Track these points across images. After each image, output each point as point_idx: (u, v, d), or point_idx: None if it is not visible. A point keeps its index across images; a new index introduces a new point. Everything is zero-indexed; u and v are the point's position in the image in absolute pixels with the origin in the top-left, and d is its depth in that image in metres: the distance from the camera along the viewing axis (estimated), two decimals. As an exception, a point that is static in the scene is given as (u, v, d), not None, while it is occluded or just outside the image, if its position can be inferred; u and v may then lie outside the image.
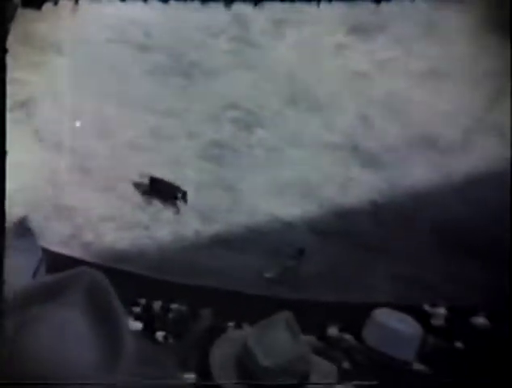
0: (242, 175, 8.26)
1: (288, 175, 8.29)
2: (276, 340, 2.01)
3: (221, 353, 2.11)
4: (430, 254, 7.84)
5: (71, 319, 1.24)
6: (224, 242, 7.63)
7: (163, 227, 7.68)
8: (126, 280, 6.76)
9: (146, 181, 8.28)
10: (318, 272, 7.40)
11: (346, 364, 4.75)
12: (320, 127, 9.01)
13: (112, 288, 1.35)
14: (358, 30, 10.36)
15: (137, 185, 8.15)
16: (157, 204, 7.83)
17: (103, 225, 7.79)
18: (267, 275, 7.42)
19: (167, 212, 7.79)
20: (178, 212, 7.92)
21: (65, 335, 1.25)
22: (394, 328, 2.18)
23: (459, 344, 6.31)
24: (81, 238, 7.36)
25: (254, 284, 6.98)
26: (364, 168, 8.54)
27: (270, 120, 9.06)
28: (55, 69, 9.62)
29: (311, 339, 5.89)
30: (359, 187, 8.26)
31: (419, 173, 8.56)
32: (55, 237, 7.36)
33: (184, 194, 8.02)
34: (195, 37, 10.13)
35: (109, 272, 6.91)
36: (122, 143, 8.40)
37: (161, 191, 8.19)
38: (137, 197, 7.89)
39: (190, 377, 4.01)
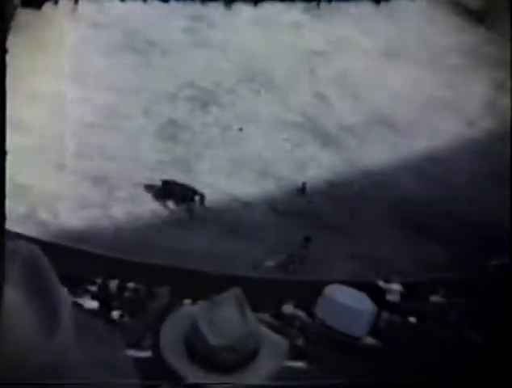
0: (199, 153, 8.25)
1: (245, 154, 8.30)
2: (225, 318, 2.00)
3: (171, 333, 2.09)
4: (387, 232, 7.92)
5: (7, 293, 1.24)
6: (180, 221, 7.62)
7: (119, 206, 7.64)
8: (82, 259, 6.74)
9: (158, 184, 8.06)
10: (276, 250, 7.43)
11: (300, 342, 4.79)
12: (276, 105, 9.02)
13: (48, 261, 1.35)
14: (314, 8, 10.38)
15: (148, 188, 7.95)
16: (112, 183, 7.78)
17: (59, 204, 7.73)
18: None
19: (123, 191, 7.75)
20: (192, 217, 7.74)
21: (2, 308, 1.26)
22: (345, 304, 2.19)
23: (413, 320, 6.39)
24: (36, 217, 7.29)
25: (210, 262, 6.99)
26: (322, 147, 8.57)
27: (227, 98, 9.06)
28: (10, 47, 9.48)
29: (266, 316, 5.94)
30: (317, 166, 8.30)
31: (377, 152, 8.62)
32: (9, 215, 7.26)
33: (202, 197, 7.82)
34: (151, 15, 10.06)
35: (65, 250, 6.88)
36: (78, 121, 8.33)
37: (175, 194, 7.99)
38: (94, 176, 7.84)
39: (145, 354, 4.02)
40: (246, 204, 7.80)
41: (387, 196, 8.15)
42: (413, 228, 7.86)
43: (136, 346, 5.04)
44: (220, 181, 7.90)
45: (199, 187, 7.82)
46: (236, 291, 2.21)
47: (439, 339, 6.24)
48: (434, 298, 7.11)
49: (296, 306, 5.93)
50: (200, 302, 3.95)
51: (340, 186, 8.16)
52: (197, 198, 7.65)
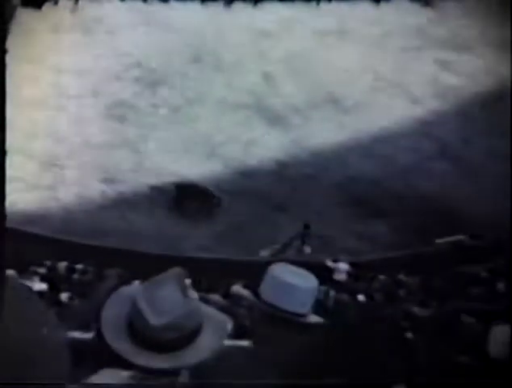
0: (147, 134, 8.22)
1: (193, 135, 8.28)
2: (165, 298, 2.01)
3: (112, 314, 2.09)
4: (335, 211, 7.98)
5: None
6: (129, 203, 7.60)
7: (68, 188, 7.59)
8: (30, 242, 6.69)
9: (168, 187, 7.93)
10: (224, 230, 7.44)
11: (247, 321, 4.82)
12: (224, 86, 9.00)
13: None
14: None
15: (162, 192, 7.81)
16: (61, 164, 7.71)
17: (7, 185, 7.65)
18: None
19: (72, 173, 7.70)
20: (210, 217, 7.64)
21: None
22: (286, 281, 2.23)
23: (361, 298, 6.47)
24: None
25: (160, 244, 6.98)
26: (269, 127, 8.60)
27: (175, 78, 9.01)
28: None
29: (215, 296, 5.97)
30: (264, 146, 8.32)
31: (324, 132, 8.68)
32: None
33: (219, 200, 7.73)
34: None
35: (13, 233, 6.81)
36: (26, 101, 8.23)
37: (190, 197, 7.87)
38: (42, 157, 7.77)
39: (89, 336, 4.00)
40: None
41: (334, 175, 8.22)
42: (361, 207, 7.94)
43: (85, 328, 5.02)
44: (168, 162, 7.89)
45: (146, 168, 7.80)
46: (176, 270, 2.21)
47: (387, 317, 6.32)
48: (381, 276, 7.21)
49: (245, 286, 5.97)
50: (142, 283, 3.94)
51: (287, 165, 8.18)
52: (214, 201, 7.66)
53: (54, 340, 1.55)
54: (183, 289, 2.21)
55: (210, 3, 9.68)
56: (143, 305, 2.13)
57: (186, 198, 7.63)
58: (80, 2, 9.16)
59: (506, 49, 9.23)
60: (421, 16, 9.84)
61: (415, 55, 9.41)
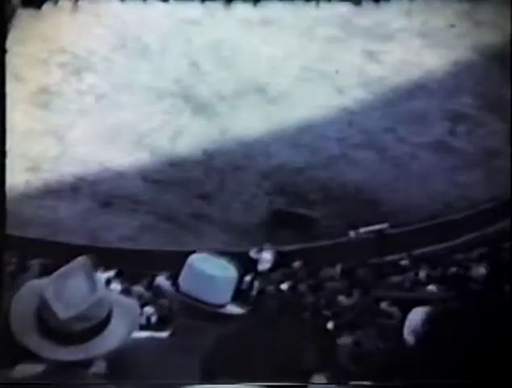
0: (72, 122, 8.11)
1: (119, 123, 8.20)
2: (73, 288, 1.99)
3: (20, 307, 2.06)
4: (260, 201, 8.02)
5: None
6: (53, 192, 7.51)
7: (-9, 177, 7.45)
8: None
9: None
10: (150, 220, 7.42)
11: (167, 312, 4.83)
12: (150, 73, 8.92)
13: None
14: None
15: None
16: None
17: None
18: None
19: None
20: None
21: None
22: (204, 272, 2.23)
23: (284, 287, 6.54)
24: None
25: (83, 235, 6.93)
26: (195, 116, 8.56)
27: (100, 65, 8.89)
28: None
29: (139, 288, 5.98)
30: (191, 135, 8.29)
31: (249, 121, 8.68)
32: None
33: (319, 227, 7.62)
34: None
35: None
36: None
37: (286, 224, 7.75)
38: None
39: None
40: (120, 175, 7.74)
41: (260, 164, 8.24)
42: (286, 196, 8.00)
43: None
44: (94, 151, 7.81)
45: (71, 156, 7.73)
46: (82, 260, 2.19)
47: (309, 306, 6.40)
48: (305, 266, 7.29)
49: (169, 277, 5.97)
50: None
51: (214, 155, 8.19)
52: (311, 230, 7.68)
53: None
54: (91, 278, 2.19)
55: (209, 3, 9.63)
56: (51, 298, 2.11)
57: (282, 225, 7.60)
58: (80, 2, 9.04)
59: (429, 40, 9.39)
60: (346, 6, 9.88)
61: (341, 45, 9.46)
